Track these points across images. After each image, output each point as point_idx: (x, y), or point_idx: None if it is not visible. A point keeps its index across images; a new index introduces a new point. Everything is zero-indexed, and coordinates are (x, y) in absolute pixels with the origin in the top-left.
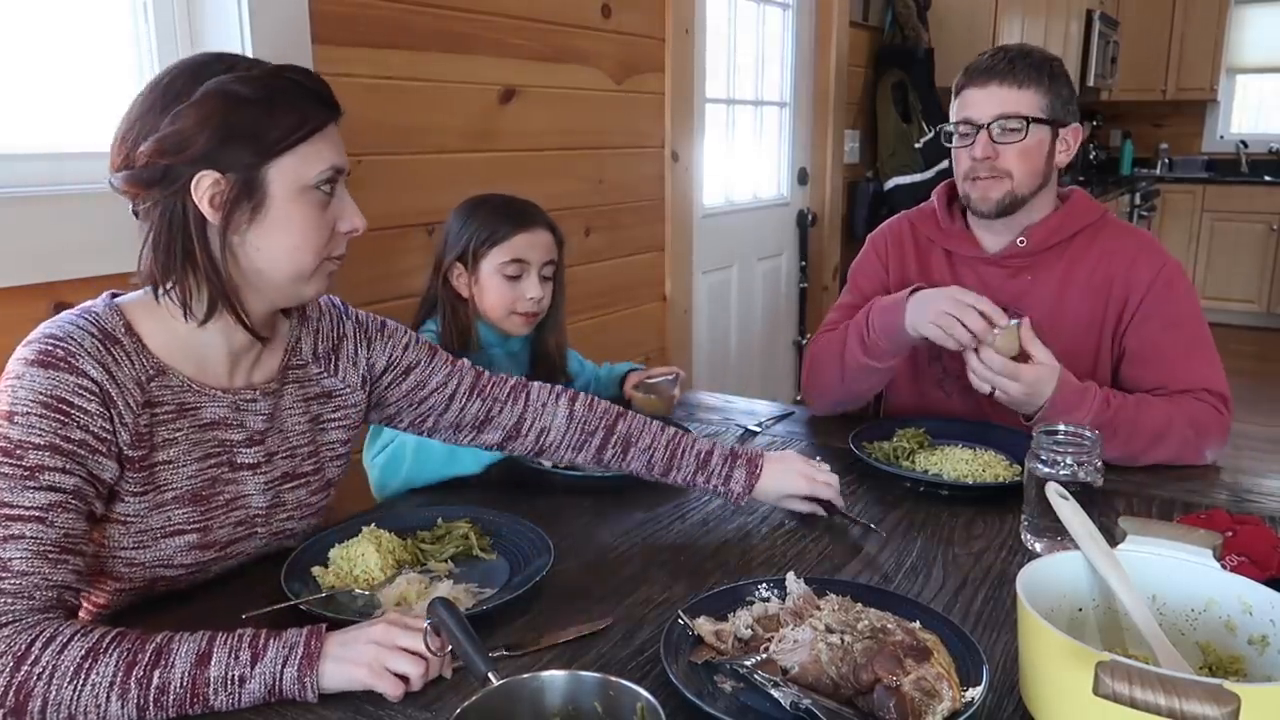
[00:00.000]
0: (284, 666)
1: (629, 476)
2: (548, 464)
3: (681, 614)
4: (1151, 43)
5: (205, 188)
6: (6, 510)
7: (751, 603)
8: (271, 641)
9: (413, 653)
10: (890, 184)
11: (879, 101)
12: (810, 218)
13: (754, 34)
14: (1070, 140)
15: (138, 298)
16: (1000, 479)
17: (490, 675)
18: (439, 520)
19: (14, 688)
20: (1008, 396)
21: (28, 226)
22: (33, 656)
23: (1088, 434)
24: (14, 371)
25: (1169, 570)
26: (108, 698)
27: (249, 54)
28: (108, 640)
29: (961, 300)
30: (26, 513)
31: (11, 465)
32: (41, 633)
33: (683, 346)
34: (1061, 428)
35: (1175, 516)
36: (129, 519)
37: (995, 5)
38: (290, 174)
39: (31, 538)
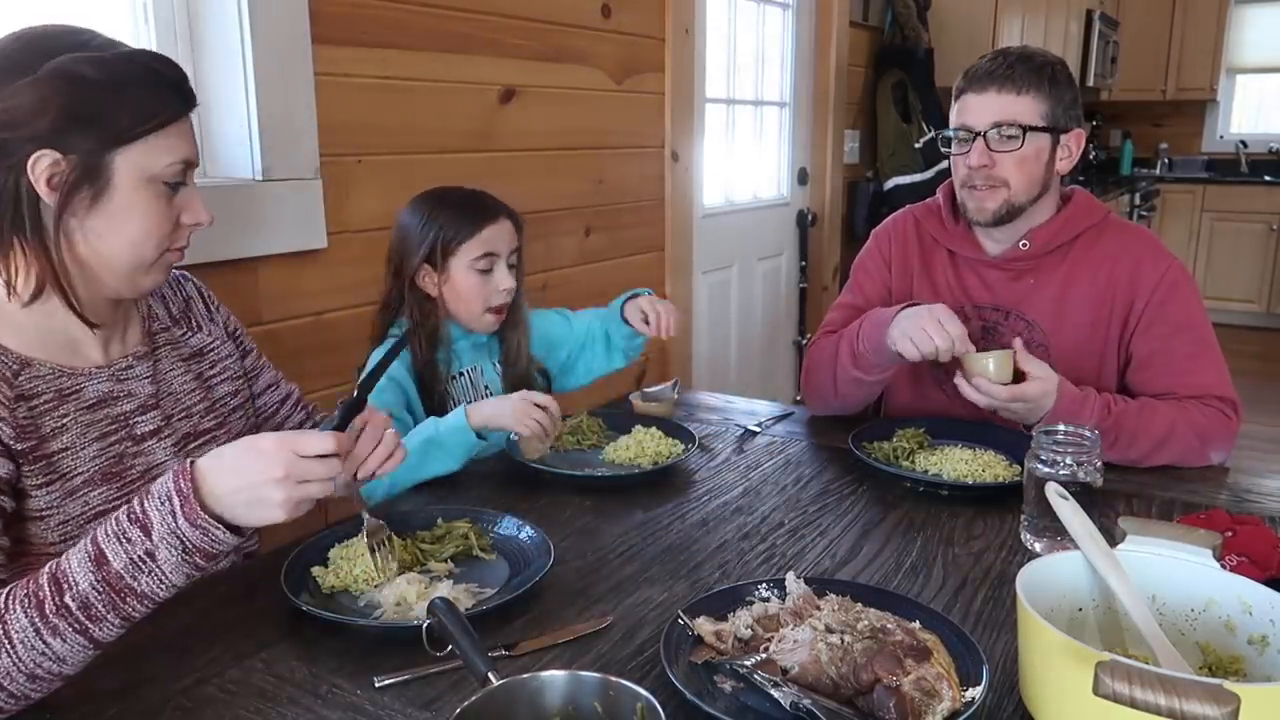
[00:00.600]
0: (176, 521)
1: (629, 476)
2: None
3: (681, 614)
4: (1151, 43)
5: (43, 167)
6: None
7: (751, 603)
8: (148, 506)
9: (323, 455)
10: (890, 184)
11: (879, 101)
12: (810, 218)
13: (754, 34)
14: (1073, 146)
15: None
16: (1000, 479)
17: (490, 675)
18: (439, 520)
19: None
20: (1012, 414)
21: None
22: None
23: (1088, 434)
24: None
25: (1169, 570)
26: (45, 643)
27: (249, 54)
28: (3, 600)
29: (939, 323)
30: None
31: None
32: None
33: (683, 346)
34: (1061, 428)
35: (1175, 516)
36: (45, 513)
37: (995, 5)
38: (137, 164)
39: None
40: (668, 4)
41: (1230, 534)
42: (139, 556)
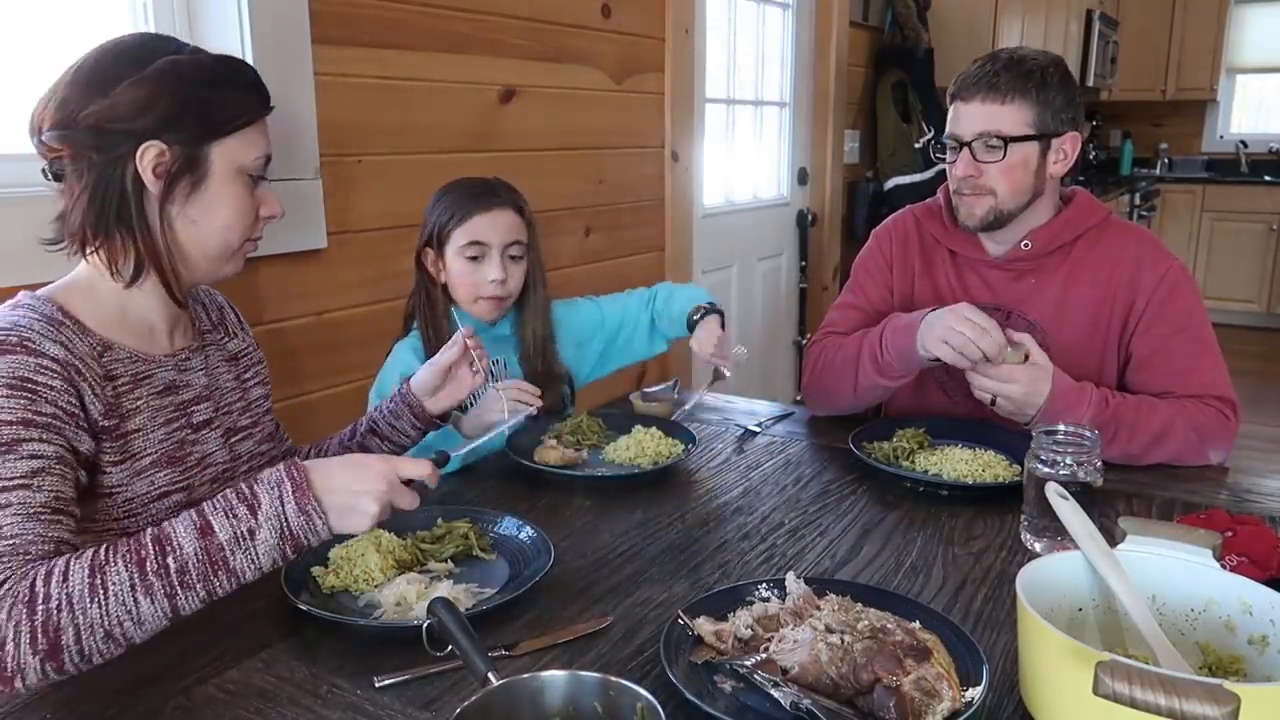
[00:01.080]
0: (283, 505)
1: (629, 476)
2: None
3: (681, 614)
4: (1151, 43)
5: (150, 157)
6: None
7: (751, 603)
8: (258, 489)
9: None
10: (890, 184)
11: (879, 101)
12: (810, 218)
13: (754, 34)
14: (1068, 149)
15: (59, 287)
16: (1000, 479)
17: (490, 675)
18: (439, 520)
19: (38, 630)
20: (1009, 402)
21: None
22: (41, 595)
23: (1088, 434)
24: None
25: (1169, 570)
26: (135, 600)
27: (249, 54)
28: (104, 552)
29: (974, 321)
30: (11, 481)
31: None
32: (37, 573)
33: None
34: (1061, 427)
35: (1175, 516)
36: (114, 490)
37: (995, 5)
38: (230, 155)
39: (19, 503)
40: (668, 4)
41: (1230, 534)
42: (242, 533)
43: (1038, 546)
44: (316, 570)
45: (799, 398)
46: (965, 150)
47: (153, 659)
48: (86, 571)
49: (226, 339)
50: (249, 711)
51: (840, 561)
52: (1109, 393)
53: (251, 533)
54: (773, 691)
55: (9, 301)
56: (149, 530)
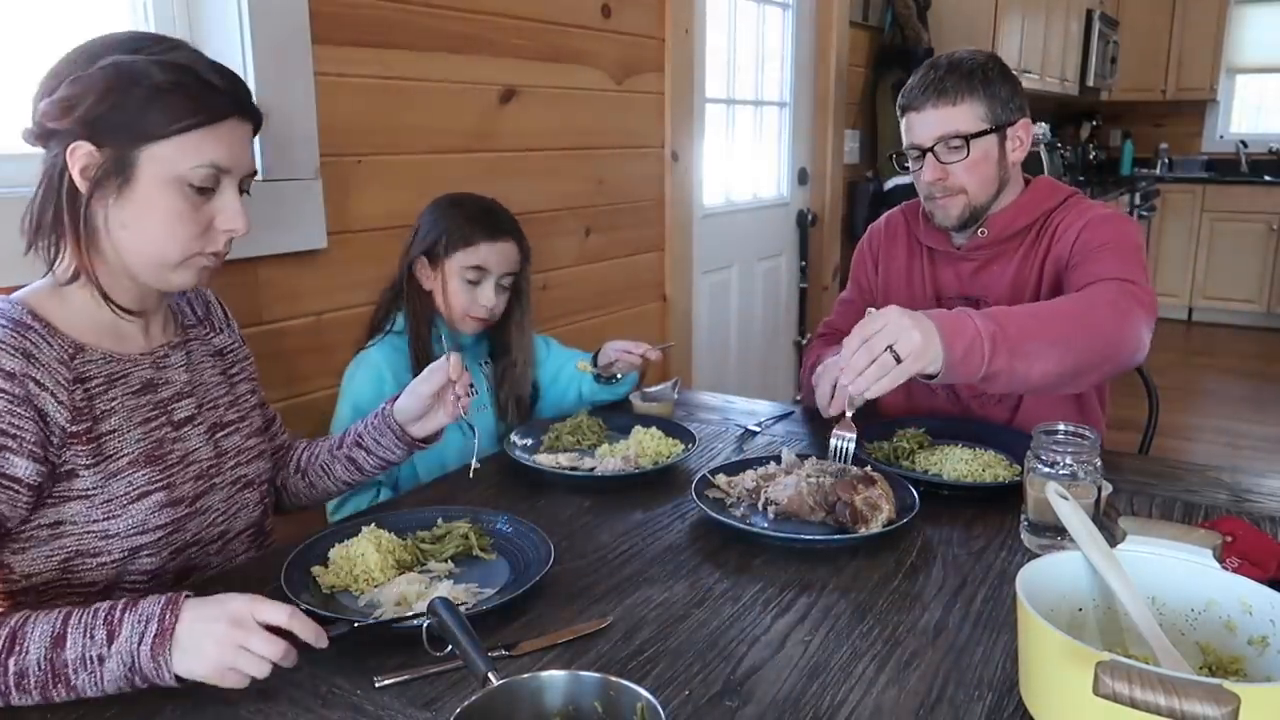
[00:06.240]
0: (139, 644)
1: (629, 476)
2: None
3: (708, 473)
4: (1151, 43)
5: (79, 157)
6: None
7: (760, 468)
8: (126, 617)
9: (274, 629)
10: (890, 184)
11: (879, 101)
12: (810, 218)
13: (754, 34)
14: (1022, 136)
15: (34, 290)
16: (1000, 479)
17: (490, 675)
18: (439, 520)
19: None
20: (907, 357)
21: None
22: None
23: (1088, 434)
24: None
25: (1169, 570)
26: None
27: (249, 54)
28: None
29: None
30: None
31: None
32: None
33: (683, 346)
34: (1061, 427)
35: (1175, 516)
36: (90, 492)
37: (995, 5)
38: (162, 162)
39: None
40: (668, 4)
41: (1230, 539)
42: (91, 656)
43: (1038, 546)
44: (316, 570)
45: (799, 397)
46: (929, 156)
47: None
48: None
49: (212, 334)
50: (249, 711)
51: (841, 563)
52: (986, 310)
53: (101, 659)
54: (762, 507)
55: None
56: (14, 618)
